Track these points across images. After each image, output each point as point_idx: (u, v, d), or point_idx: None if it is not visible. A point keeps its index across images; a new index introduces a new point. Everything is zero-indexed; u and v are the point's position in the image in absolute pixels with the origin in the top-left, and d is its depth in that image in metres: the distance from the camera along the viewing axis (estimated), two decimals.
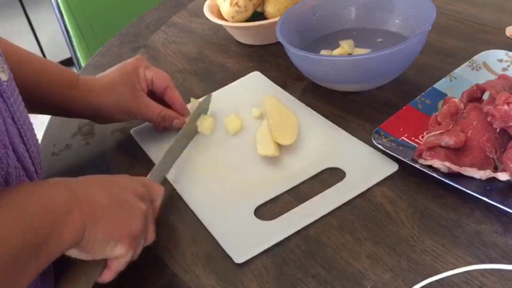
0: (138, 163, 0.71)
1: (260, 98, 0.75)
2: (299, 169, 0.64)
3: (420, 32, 0.68)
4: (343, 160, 0.64)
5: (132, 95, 0.70)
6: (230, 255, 0.55)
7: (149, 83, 0.71)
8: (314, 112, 0.72)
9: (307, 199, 0.60)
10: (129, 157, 0.73)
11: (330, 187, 0.61)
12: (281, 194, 0.62)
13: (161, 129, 0.74)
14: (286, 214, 0.59)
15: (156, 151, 0.71)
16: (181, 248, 0.58)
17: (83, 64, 1.34)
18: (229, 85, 0.82)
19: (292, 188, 0.62)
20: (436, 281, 0.49)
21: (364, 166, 0.62)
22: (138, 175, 0.58)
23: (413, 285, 0.49)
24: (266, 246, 0.56)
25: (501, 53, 0.72)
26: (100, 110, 0.70)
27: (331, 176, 0.62)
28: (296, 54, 0.71)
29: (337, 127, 0.69)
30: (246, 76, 0.83)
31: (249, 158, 0.67)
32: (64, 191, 0.47)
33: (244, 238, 0.57)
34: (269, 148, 0.65)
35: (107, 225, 0.48)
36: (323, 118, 0.71)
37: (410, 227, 0.55)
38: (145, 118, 0.72)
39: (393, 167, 0.61)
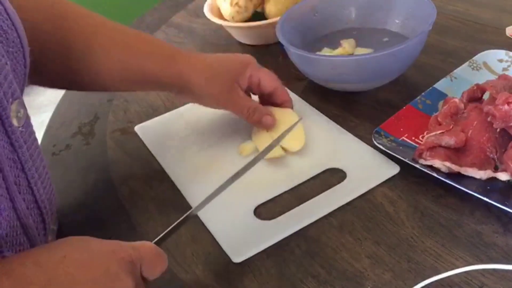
0: (139, 163, 0.71)
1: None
2: (300, 169, 0.64)
3: (420, 32, 0.68)
4: (344, 161, 0.63)
5: (227, 89, 0.66)
6: (228, 254, 0.55)
7: (253, 85, 0.69)
8: (317, 111, 0.72)
9: (307, 200, 0.60)
10: (129, 157, 0.73)
11: (330, 188, 0.60)
12: (281, 194, 0.61)
13: (254, 122, 0.69)
14: (285, 215, 0.59)
15: (160, 149, 0.71)
16: (181, 248, 0.58)
17: None
18: None
19: (292, 188, 0.62)
20: (437, 281, 0.49)
21: (365, 168, 0.62)
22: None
23: (413, 285, 0.49)
24: (264, 246, 0.56)
25: (501, 53, 0.72)
26: (193, 89, 0.66)
27: (332, 177, 0.62)
28: (296, 54, 0.71)
29: (339, 127, 0.69)
30: None
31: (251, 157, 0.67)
32: None
33: (243, 238, 0.57)
34: (274, 149, 0.64)
35: None
36: (326, 117, 0.71)
37: (410, 227, 0.55)
38: (234, 109, 0.68)
39: (394, 170, 0.61)
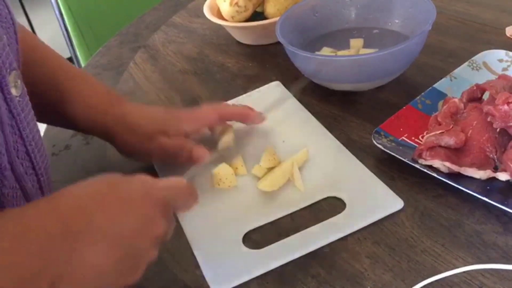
0: (139, 163, 0.71)
1: (279, 115, 0.72)
2: (295, 196, 0.60)
3: (420, 32, 0.68)
4: (345, 190, 0.59)
5: (165, 113, 0.65)
6: (208, 281, 0.53)
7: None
8: (326, 131, 0.68)
9: (299, 230, 0.56)
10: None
11: (326, 219, 0.57)
12: (273, 221, 0.58)
13: (187, 160, 0.63)
14: (274, 245, 0.55)
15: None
16: (181, 248, 0.58)
17: (83, 64, 1.34)
18: (246, 95, 0.78)
19: (284, 216, 0.58)
20: (436, 281, 0.49)
21: (367, 201, 0.58)
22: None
23: (413, 285, 0.49)
24: (248, 277, 0.53)
25: (501, 53, 0.72)
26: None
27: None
28: (296, 54, 0.71)
29: (347, 151, 0.64)
30: (265, 86, 0.79)
31: (247, 178, 0.64)
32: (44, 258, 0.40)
33: (227, 266, 0.54)
34: (269, 184, 0.61)
35: (98, 283, 0.43)
36: (335, 140, 0.66)
37: (410, 227, 0.55)
38: (164, 156, 0.64)
39: (397, 205, 0.56)
